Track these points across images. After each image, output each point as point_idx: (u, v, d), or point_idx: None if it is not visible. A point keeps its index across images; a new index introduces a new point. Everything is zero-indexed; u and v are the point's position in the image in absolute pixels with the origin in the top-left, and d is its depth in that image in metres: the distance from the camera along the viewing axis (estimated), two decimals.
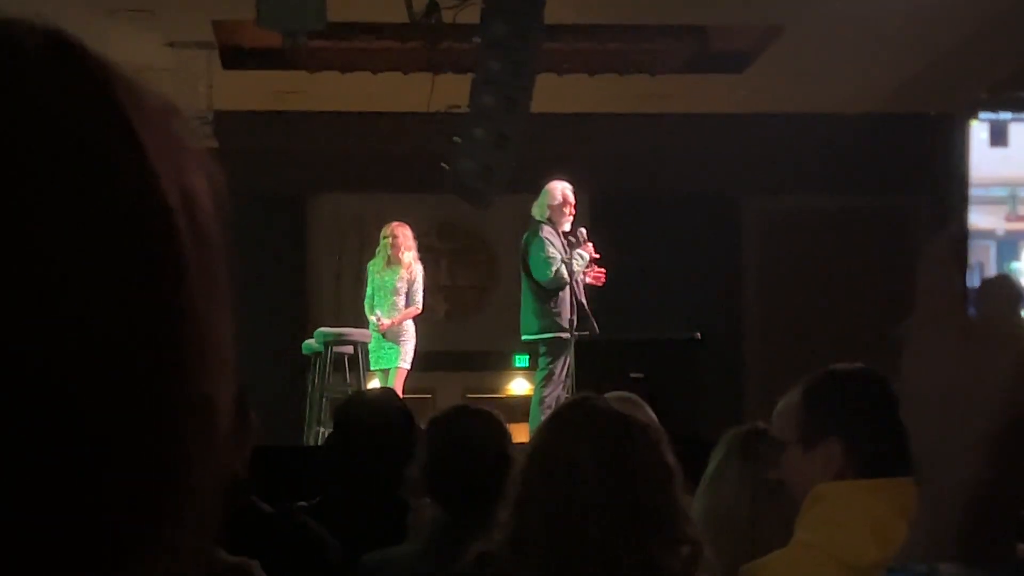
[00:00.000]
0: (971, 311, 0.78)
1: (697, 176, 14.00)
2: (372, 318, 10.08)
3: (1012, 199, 0.84)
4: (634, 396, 4.26)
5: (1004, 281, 0.80)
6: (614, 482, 2.30)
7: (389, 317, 10.06)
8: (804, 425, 2.65)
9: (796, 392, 2.70)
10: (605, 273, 9.35)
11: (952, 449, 0.75)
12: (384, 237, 10.24)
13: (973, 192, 0.83)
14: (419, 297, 10.25)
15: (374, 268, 10.22)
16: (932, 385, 0.77)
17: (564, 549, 2.28)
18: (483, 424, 3.52)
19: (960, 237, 0.82)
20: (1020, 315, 0.78)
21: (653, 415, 4.16)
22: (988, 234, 0.83)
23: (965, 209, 0.83)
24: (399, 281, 10.15)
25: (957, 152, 0.84)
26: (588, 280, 9.31)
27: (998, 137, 0.84)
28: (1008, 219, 0.85)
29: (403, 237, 10.21)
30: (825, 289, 14.27)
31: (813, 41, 11.42)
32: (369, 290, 10.22)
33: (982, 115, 0.84)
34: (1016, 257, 0.84)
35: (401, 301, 10.16)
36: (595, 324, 9.21)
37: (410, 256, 10.21)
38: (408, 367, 10.25)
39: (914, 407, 0.78)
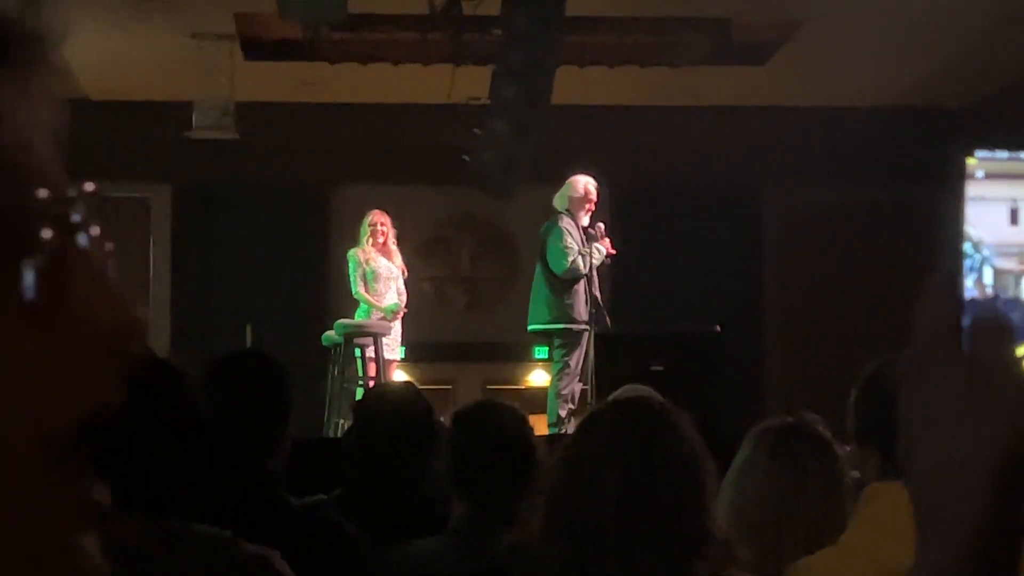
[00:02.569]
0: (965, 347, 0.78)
1: (718, 168, 13.97)
2: (376, 304, 10.06)
3: None
4: (647, 390, 4.25)
5: (992, 317, 0.79)
6: (637, 492, 2.29)
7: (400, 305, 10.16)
8: (855, 425, 2.66)
9: (857, 384, 2.69)
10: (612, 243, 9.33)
11: (952, 488, 0.75)
12: (370, 224, 10.21)
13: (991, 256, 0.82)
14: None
15: (360, 255, 10.16)
16: (929, 424, 0.77)
17: (584, 554, 2.28)
18: (508, 419, 3.52)
19: (953, 274, 0.80)
20: (1011, 352, 0.77)
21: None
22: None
23: (960, 244, 0.81)
24: (398, 269, 10.20)
25: (952, 189, 0.82)
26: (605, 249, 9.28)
27: (1015, 217, 0.83)
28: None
29: (390, 226, 10.24)
30: (846, 282, 14.23)
31: (835, 34, 11.39)
32: (356, 276, 10.14)
33: (978, 153, 0.82)
34: None
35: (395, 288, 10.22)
36: (607, 318, 9.19)
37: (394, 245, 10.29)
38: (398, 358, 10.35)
39: (911, 446, 0.78)
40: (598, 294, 9.19)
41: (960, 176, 0.82)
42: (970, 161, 0.82)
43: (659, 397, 4.17)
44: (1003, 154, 0.82)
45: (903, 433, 0.79)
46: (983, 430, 0.75)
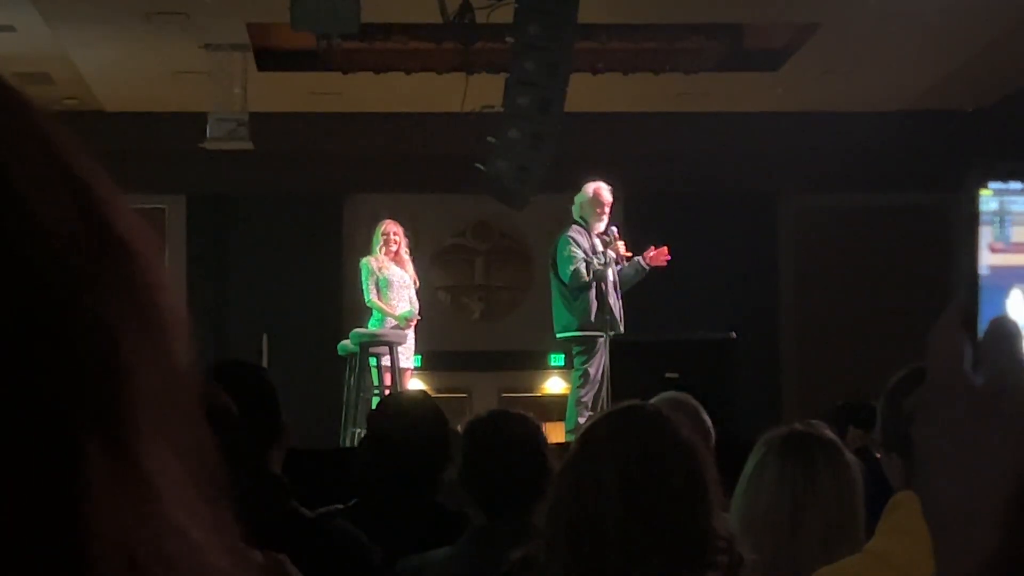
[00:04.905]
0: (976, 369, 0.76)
1: (732, 175, 13.96)
2: (390, 312, 10.06)
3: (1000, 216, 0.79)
4: (687, 399, 4.24)
5: (1002, 329, 0.77)
6: (639, 500, 2.28)
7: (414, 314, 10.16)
8: (882, 434, 2.66)
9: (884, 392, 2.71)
10: (668, 252, 9.29)
11: (965, 518, 0.75)
12: (383, 234, 10.23)
13: None
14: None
15: (373, 264, 10.16)
16: (944, 455, 0.76)
17: (586, 563, 2.27)
18: (520, 428, 3.51)
19: (970, 307, 0.78)
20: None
21: (706, 418, 4.15)
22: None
23: (976, 280, 0.78)
24: (410, 278, 10.20)
25: (967, 223, 0.79)
26: (649, 262, 9.24)
27: None
28: (994, 249, 0.79)
29: (403, 235, 10.26)
30: (862, 287, 14.20)
31: (848, 39, 11.37)
32: (369, 285, 10.14)
33: (992, 184, 0.80)
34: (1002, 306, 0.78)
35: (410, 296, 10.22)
36: (620, 325, 9.17)
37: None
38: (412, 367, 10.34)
39: (927, 477, 0.78)
40: (611, 301, 9.17)
41: (974, 209, 0.80)
42: (983, 192, 0.80)
43: (697, 406, 4.17)
44: (1017, 185, 0.80)
45: (918, 462, 0.78)
46: (996, 462, 0.74)
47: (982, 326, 0.78)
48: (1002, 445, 0.75)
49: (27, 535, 0.53)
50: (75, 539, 0.54)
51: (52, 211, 0.57)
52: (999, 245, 0.79)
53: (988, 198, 0.80)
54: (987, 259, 0.78)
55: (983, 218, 0.79)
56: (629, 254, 9.31)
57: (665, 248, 9.30)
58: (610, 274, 9.12)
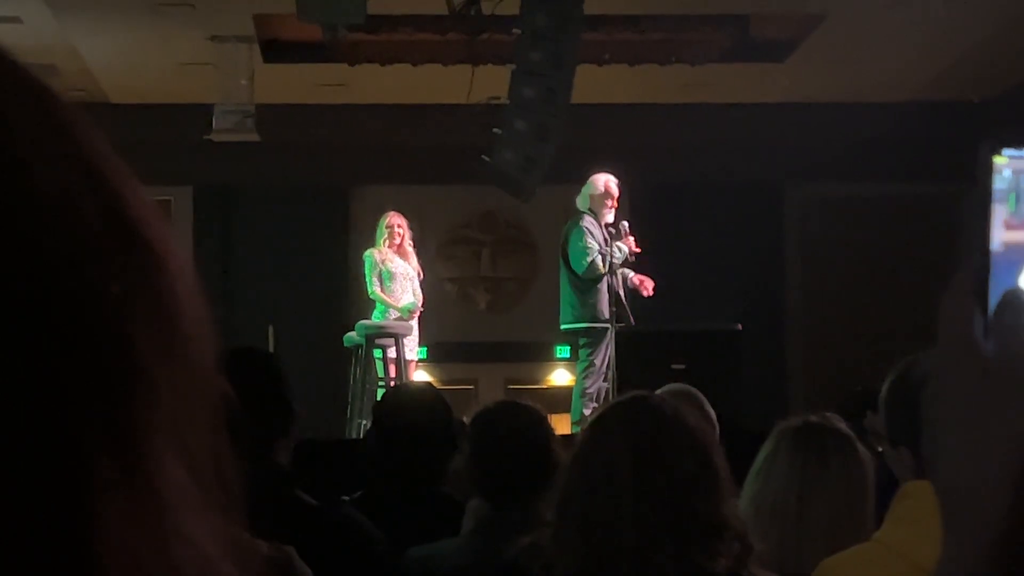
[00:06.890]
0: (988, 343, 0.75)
1: (739, 166, 13.95)
2: (392, 303, 10.06)
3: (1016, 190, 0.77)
4: (691, 390, 4.26)
5: (1015, 300, 0.76)
6: (652, 488, 2.28)
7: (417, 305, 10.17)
8: (887, 425, 2.63)
9: (887, 382, 2.65)
10: (654, 286, 9.30)
11: (975, 488, 0.75)
12: (387, 226, 10.22)
13: None
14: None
15: (377, 256, 10.15)
16: (952, 424, 0.76)
17: (600, 553, 2.27)
18: (526, 419, 3.51)
19: (981, 275, 0.77)
20: None
21: (710, 409, 4.16)
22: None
23: (987, 251, 0.77)
24: (414, 270, 10.20)
25: (980, 192, 0.78)
26: (634, 283, 9.28)
27: None
28: (1009, 226, 0.77)
29: (406, 227, 10.25)
30: (868, 278, 14.19)
31: (855, 29, 11.35)
32: (372, 277, 10.14)
33: (1006, 152, 0.78)
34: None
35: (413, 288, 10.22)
36: (631, 316, 9.18)
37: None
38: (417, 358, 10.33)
39: (936, 446, 0.77)
40: (621, 292, 9.18)
41: (987, 175, 0.78)
42: (998, 160, 0.78)
43: (701, 398, 4.18)
44: None
45: (928, 433, 0.78)
46: (1006, 431, 0.74)
47: (993, 302, 0.77)
48: (1012, 416, 0.74)
49: (32, 544, 0.52)
50: (81, 549, 0.52)
51: (59, 191, 0.55)
52: (1014, 221, 0.77)
53: (1002, 167, 0.78)
54: (1001, 235, 0.77)
55: (996, 195, 0.78)
56: (639, 250, 9.32)
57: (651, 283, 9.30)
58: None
